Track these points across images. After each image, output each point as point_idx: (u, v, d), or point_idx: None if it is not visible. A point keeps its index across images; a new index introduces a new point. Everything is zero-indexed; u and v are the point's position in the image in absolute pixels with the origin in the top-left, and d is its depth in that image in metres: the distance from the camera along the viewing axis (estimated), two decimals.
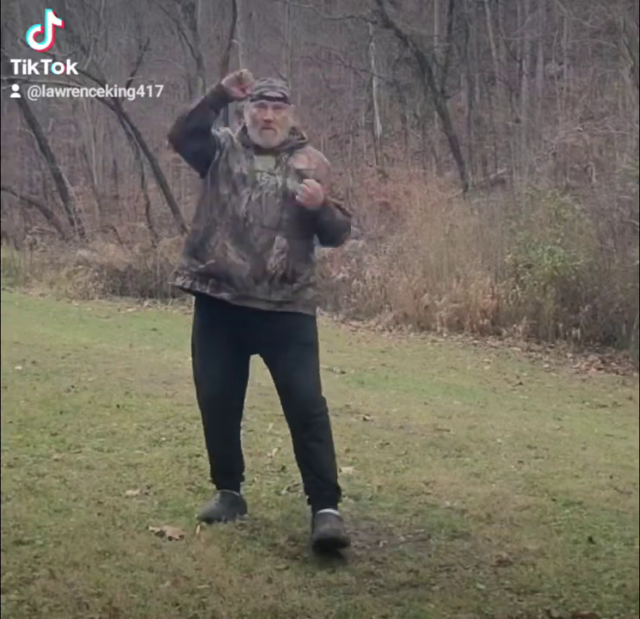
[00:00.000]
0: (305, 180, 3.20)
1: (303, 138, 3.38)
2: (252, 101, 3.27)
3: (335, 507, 3.23)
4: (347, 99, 22.00)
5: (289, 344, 3.25)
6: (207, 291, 3.24)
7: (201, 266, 3.24)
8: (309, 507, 3.27)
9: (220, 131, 3.34)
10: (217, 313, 3.27)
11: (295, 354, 3.26)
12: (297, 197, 3.19)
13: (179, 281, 3.31)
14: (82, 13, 18.48)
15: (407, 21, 17.13)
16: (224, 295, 3.21)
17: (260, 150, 3.29)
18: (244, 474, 3.53)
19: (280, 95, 3.28)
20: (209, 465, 3.51)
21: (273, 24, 23.13)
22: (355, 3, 18.13)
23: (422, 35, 17.11)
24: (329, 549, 3.06)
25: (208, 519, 3.29)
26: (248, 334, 3.27)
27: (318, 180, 3.24)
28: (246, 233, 3.21)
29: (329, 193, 3.33)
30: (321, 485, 3.24)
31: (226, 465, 3.46)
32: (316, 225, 3.29)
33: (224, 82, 3.20)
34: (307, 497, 3.29)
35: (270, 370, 3.35)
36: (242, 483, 3.49)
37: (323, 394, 3.31)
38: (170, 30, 21.18)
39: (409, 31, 16.31)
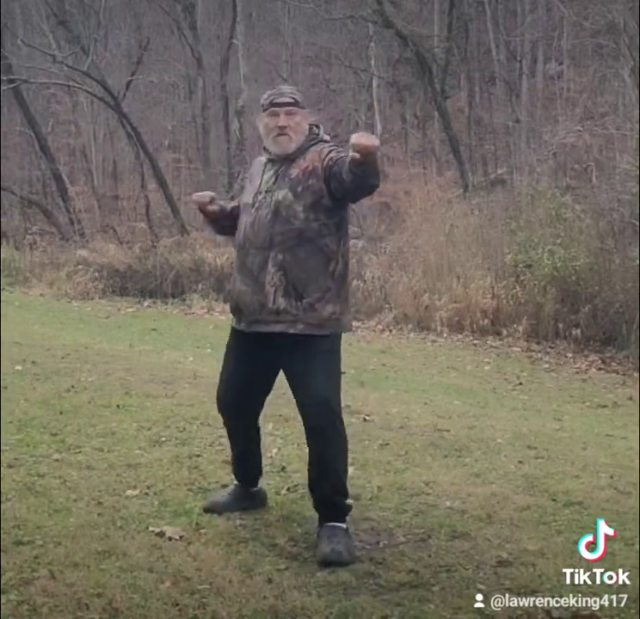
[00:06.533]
0: (353, 140, 2.81)
1: (314, 137, 3.23)
2: (264, 110, 3.20)
3: (342, 520, 3.17)
4: (347, 99, 21.99)
5: (304, 365, 3.16)
6: (234, 324, 3.34)
7: (231, 303, 3.36)
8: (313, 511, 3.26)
9: (252, 167, 3.38)
10: (246, 337, 3.28)
11: (311, 373, 3.17)
12: (349, 159, 2.87)
13: (234, 322, 3.36)
14: (82, 13, 18.49)
15: (407, 21, 17.11)
16: (242, 325, 3.26)
17: (274, 163, 3.22)
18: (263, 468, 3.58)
19: (290, 100, 3.18)
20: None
21: (274, 24, 23.14)
22: (355, 3, 18.13)
23: (422, 35, 17.11)
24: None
25: (209, 511, 3.39)
26: (271, 354, 3.24)
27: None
28: (245, 259, 3.21)
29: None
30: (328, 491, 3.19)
31: (242, 461, 3.53)
32: (355, 176, 2.92)
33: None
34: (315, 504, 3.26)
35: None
36: (260, 477, 3.55)
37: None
38: (170, 30, 21.20)
39: (409, 31, 16.30)
